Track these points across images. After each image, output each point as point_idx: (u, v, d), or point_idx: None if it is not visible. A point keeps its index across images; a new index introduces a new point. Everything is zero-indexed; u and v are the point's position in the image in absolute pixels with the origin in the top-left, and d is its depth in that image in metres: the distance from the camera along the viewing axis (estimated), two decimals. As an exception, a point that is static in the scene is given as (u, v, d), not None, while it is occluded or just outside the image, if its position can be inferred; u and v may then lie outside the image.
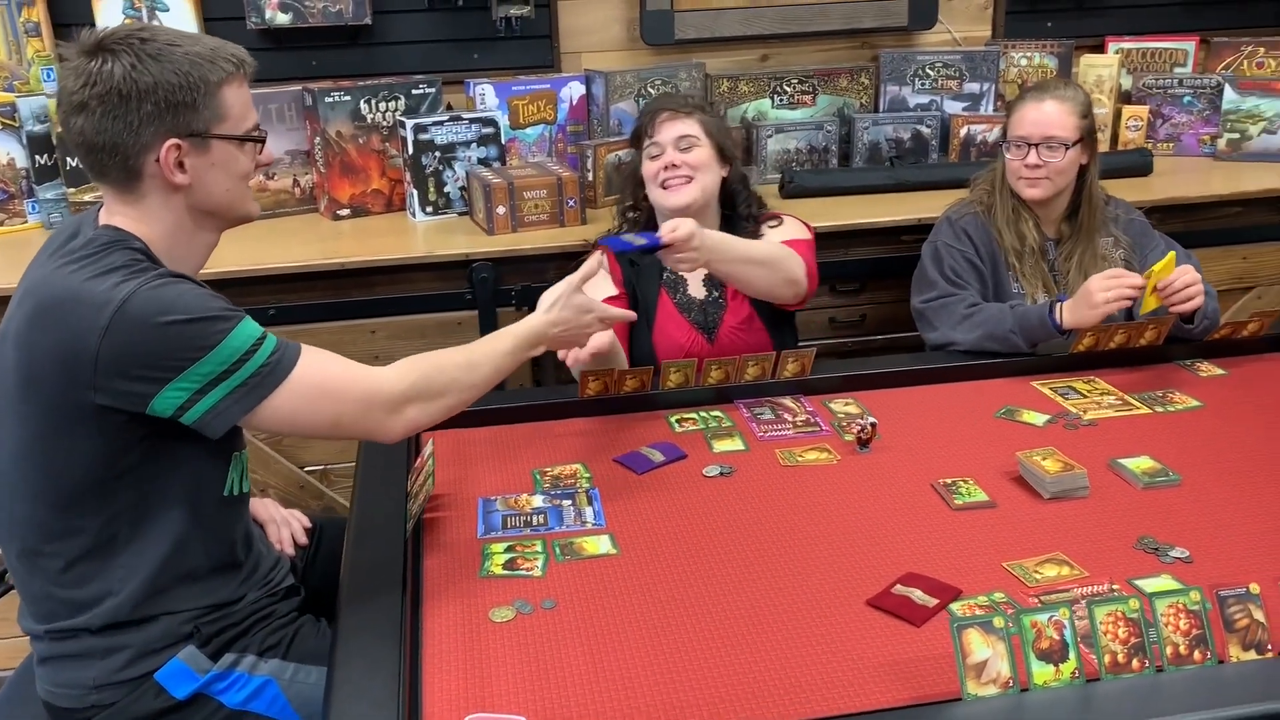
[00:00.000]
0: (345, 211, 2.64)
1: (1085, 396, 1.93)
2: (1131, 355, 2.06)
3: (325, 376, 1.34)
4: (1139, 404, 1.88)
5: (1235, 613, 1.14)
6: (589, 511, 1.56)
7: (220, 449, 1.38)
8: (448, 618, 1.33)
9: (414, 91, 2.65)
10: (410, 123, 2.53)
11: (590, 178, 2.65)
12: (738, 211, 2.18)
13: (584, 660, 1.24)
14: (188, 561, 1.39)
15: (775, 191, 2.78)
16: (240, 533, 1.47)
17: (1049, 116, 2.16)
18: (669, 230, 1.77)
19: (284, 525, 1.71)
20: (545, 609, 1.33)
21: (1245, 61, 3.05)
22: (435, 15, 2.81)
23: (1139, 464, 1.64)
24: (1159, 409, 1.86)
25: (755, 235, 2.13)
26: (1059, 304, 2.03)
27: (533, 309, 1.64)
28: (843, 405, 1.93)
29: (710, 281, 2.17)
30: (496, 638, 1.29)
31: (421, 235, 2.54)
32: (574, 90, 2.79)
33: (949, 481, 1.62)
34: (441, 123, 2.56)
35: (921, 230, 2.40)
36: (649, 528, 1.52)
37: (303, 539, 1.72)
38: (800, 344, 2.22)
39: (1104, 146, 2.99)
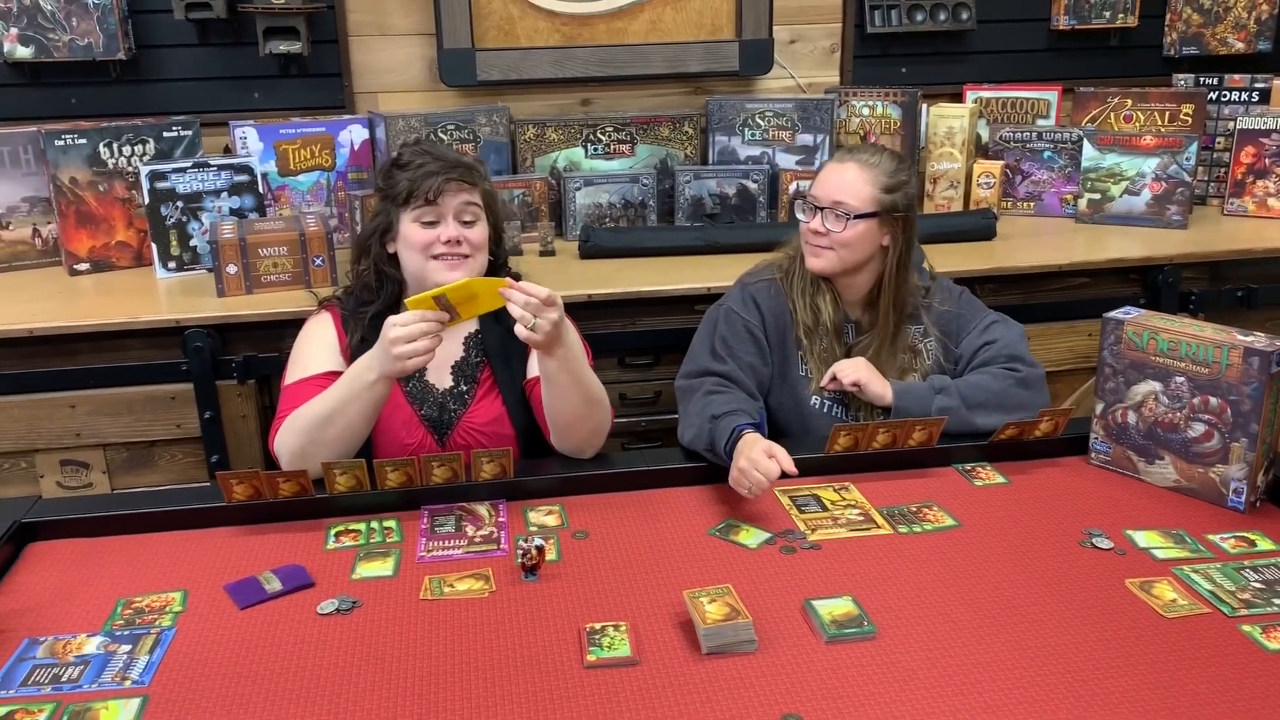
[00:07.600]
0: (84, 266, 2.38)
1: (826, 509, 1.64)
2: (902, 458, 1.78)
3: None
4: (883, 522, 1.60)
5: None
6: (140, 663, 1.27)
7: None
8: None
9: (166, 134, 2.39)
10: (145, 169, 2.27)
11: (360, 230, 2.38)
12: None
13: None
14: None
15: (575, 250, 2.52)
16: None
17: (842, 180, 1.90)
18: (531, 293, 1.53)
19: None
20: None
21: (1112, 114, 2.79)
22: (211, 50, 2.56)
23: (834, 608, 1.35)
24: (903, 529, 1.58)
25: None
26: (745, 430, 1.68)
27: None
28: (544, 514, 1.65)
29: (460, 370, 1.86)
30: None
31: (163, 295, 2.27)
32: (355, 134, 2.53)
33: (597, 628, 1.33)
34: (184, 169, 2.30)
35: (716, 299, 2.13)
36: (200, 687, 1.24)
37: None
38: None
39: (957, 205, 2.73)
